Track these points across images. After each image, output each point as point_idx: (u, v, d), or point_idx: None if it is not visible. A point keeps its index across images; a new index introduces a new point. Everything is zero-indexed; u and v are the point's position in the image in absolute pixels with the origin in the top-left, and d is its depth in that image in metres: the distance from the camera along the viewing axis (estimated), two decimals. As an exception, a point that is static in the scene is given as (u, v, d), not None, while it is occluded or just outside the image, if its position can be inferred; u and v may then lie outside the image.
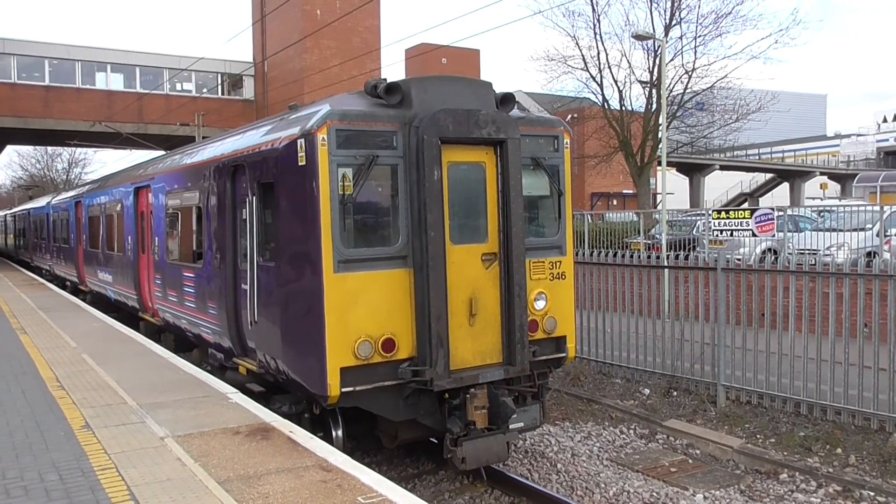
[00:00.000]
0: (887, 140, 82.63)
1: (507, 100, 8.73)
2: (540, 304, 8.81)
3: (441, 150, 7.80)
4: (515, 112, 8.83)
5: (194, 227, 11.50)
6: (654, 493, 8.93)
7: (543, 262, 8.92)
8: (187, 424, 7.10)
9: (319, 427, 8.28)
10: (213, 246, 10.37)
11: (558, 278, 9.06)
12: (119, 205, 16.67)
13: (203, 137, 31.58)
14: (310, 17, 43.36)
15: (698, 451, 10.61)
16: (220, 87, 48.75)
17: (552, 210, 9.16)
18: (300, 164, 7.68)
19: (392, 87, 7.97)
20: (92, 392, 8.51)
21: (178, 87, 48.11)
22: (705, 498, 8.88)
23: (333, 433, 8.20)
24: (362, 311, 7.63)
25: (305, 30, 41.72)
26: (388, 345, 7.75)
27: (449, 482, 9.22)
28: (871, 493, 8.74)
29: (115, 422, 7.25)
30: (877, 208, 21.31)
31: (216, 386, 8.83)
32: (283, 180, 8.16)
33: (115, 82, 45.75)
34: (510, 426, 8.24)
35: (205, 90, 47.36)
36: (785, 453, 9.95)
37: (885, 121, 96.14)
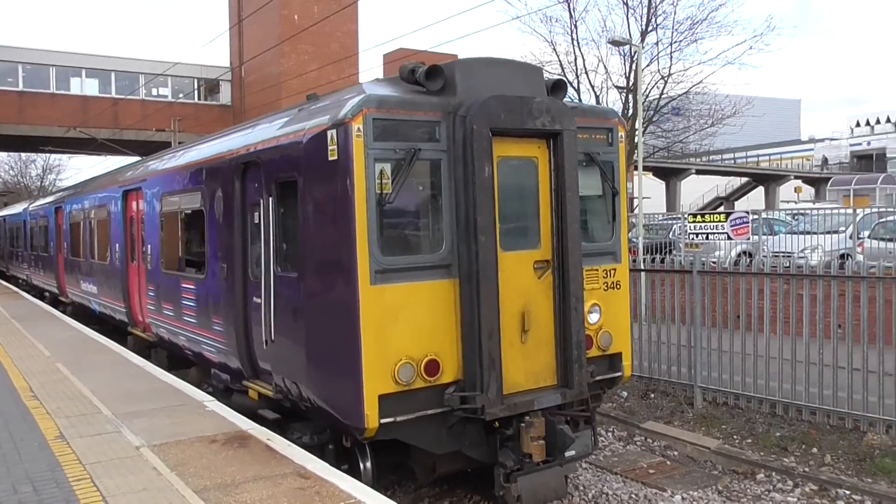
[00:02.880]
0: (860, 144, 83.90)
1: (559, 86, 7.90)
2: (594, 318, 7.89)
3: (492, 143, 6.91)
4: (567, 101, 7.99)
5: (195, 233, 10.40)
6: (633, 495, 8.98)
7: (597, 269, 8.01)
8: (163, 433, 7.03)
9: (344, 459, 7.41)
10: (218, 254, 9.34)
11: (613, 288, 8.14)
12: (105, 209, 15.41)
13: (179, 143, 31.34)
14: (287, 22, 43.24)
15: (676, 453, 10.68)
16: (196, 92, 48.46)
17: (606, 212, 8.26)
18: (330, 158, 6.71)
19: (433, 71, 7.06)
20: (66, 402, 8.41)
21: (155, 92, 47.78)
22: (683, 499, 8.94)
23: (361, 465, 7.21)
24: (403, 328, 6.67)
25: (283, 34, 41.57)
26: (432, 367, 6.79)
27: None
28: (847, 492, 8.84)
29: (90, 431, 7.17)
30: (850, 211, 21.64)
31: (192, 394, 8.76)
32: (308, 178, 7.18)
33: (90, 87, 45.34)
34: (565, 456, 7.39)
35: (181, 95, 47.04)
36: (761, 453, 10.04)
37: (858, 125, 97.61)
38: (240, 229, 8.66)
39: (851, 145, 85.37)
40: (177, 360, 11.75)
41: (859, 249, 18.56)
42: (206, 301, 9.82)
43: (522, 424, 7.07)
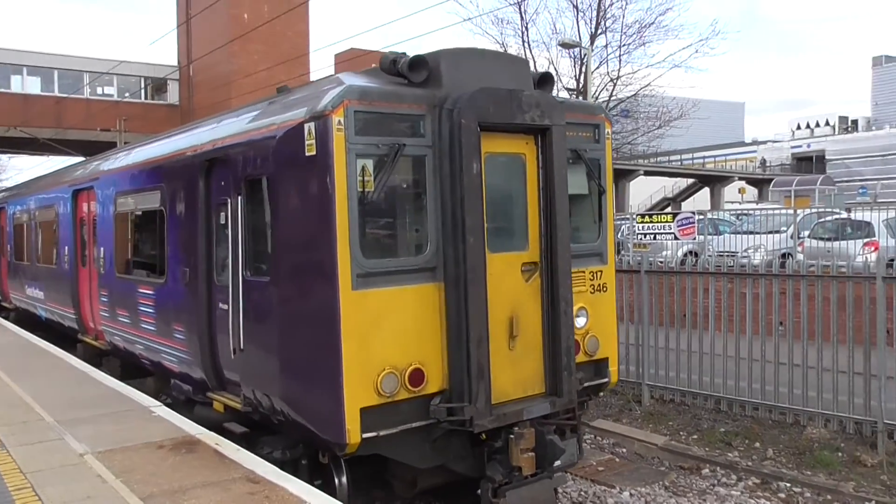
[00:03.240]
0: (801, 146, 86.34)
1: (546, 80, 7.60)
2: (580, 322, 7.55)
3: (480, 139, 6.55)
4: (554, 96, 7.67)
5: (153, 235, 9.84)
6: (583, 492, 9.11)
7: (584, 271, 7.67)
8: (109, 440, 6.89)
9: (318, 474, 6.97)
10: (179, 257, 8.80)
11: (600, 291, 7.85)
12: (53, 210, 14.50)
13: (125, 143, 30.68)
14: (237, 21, 42.68)
15: (625, 450, 10.86)
16: (143, 91, 47.53)
17: (592, 211, 7.96)
18: (307, 154, 6.28)
19: (418, 62, 6.65)
20: (6, 409, 8.17)
21: (100, 91, 46.72)
22: (631, 495, 9.10)
23: (336, 481, 6.78)
24: (385, 335, 6.28)
25: (232, 34, 41.01)
26: (417, 377, 6.40)
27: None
28: (788, 485, 9.11)
29: (31, 439, 6.98)
30: (791, 211, 22.27)
31: (139, 399, 8.60)
32: (283, 175, 6.75)
33: (32, 86, 44.18)
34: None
35: (127, 94, 46.09)
36: (707, 449, 10.28)
37: (798, 128, 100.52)
38: (204, 231, 8.17)
39: (792, 147, 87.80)
40: (132, 369, 11.13)
41: (800, 249, 19.12)
42: (167, 307, 9.28)
43: (511, 436, 6.74)
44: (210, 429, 7.36)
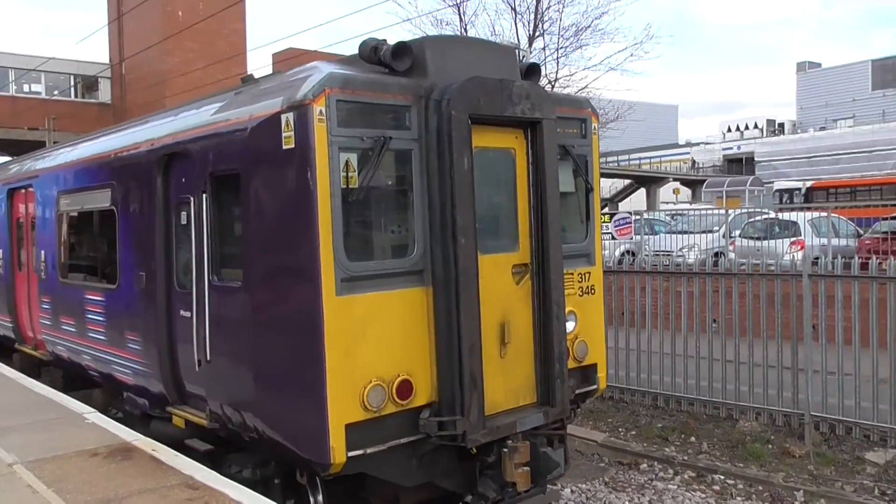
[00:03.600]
0: (731, 148, 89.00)
1: (533, 71, 7.21)
2: (569, 326, 7.12)
3: (471, 132, 6.12)
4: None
5: (103, 237, 9.16)
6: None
7: (572, 273, 7.27)
8: (40, 448, 6.65)
9: (291, 492, 6.54)
10: (134, 261, 8.17)
11: (588, 293, 7.48)
12: None
13: (54, 142, 29.68)
14: (171, 18, 41.71)
15: (566, 447, 11.01)
16: (73, 89, 46.04)
17: (579, 210, 7.56)
18: (285, 147, 5.79)
19: (402, 49, 6.19)
20: (-72, 419, 7.82)
21: (27, 88, 45.07)
22: (573, 491, 9.25)
23: (311, 500, 6.38)
24: (372, 344, 5.81)
25: (166, 31, 40.06)
26: (405, 389, 5.93)
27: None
28: (722, 477, 9.40)
29: (-45, 450, 6.69)
30: (723, 212, 22.95)
31: (72, 406, 8.32)
32: (256, 171, 6.22)
33: (-47, 82, 42.34)
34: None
35: (56, 92, 44.58)
36: (645, 444, 10.51)
37: (729, 130, 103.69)
38: (162, 232, 7.59)
39: (724, 149, 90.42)
40: (76, 380, 10.37)
41: (731, 248, 19.71)
42: (119, 315, 8.60)
43: (505, 450, 6.30)
44: (170, 446, 6.79)
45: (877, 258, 10.78)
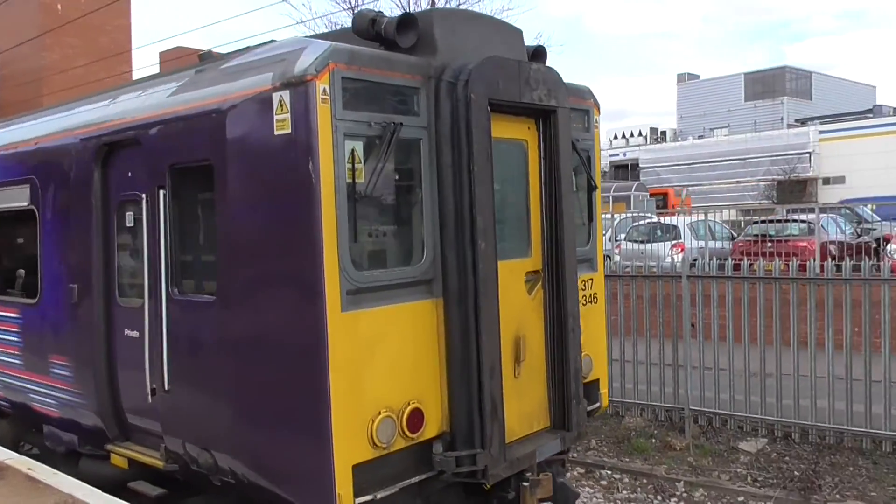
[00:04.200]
0: (617, 155, 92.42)
1: (539, 54, 6.36)
2: None
3: (490, 120, 5.29)
4: None
5: (20, 242, 8.06)
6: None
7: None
8: None
9: None
10: (62, 270, 6.97)
11: (591, 302, 6.66)
12: None
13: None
14: (49, 12, 39.56)
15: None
16: (-65, 84, 42.91)
17: (582, 211, 6.63)
18: (277, 132, 4.81)
19: (407, 22, 5.29)
20: None
21: None
22: (467, 492, 9.37)
23: None
24: (380, 368, 4.94)
25: (44, 25, 37.97)
26: (415, 419, 5.04)
27: None
28: (609, 472, 9.76)
29: None
30: (609, 216, 23.83)
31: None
32: (236, 161, 5.17)
33: None
34: None
35: (-84, 88, 41.45)
36: (536, 443, 10.78)
37: (615, 137, 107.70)
38: (100, 236, 6.46)
39: (611, 156, 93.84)
40: None
41: (617, 251, 20.50)
42: (41, 335, 7.37)
43: (526, 483, 5.49)
44: (108, 490, 5.54)
45: (748, 260, 11.52)
